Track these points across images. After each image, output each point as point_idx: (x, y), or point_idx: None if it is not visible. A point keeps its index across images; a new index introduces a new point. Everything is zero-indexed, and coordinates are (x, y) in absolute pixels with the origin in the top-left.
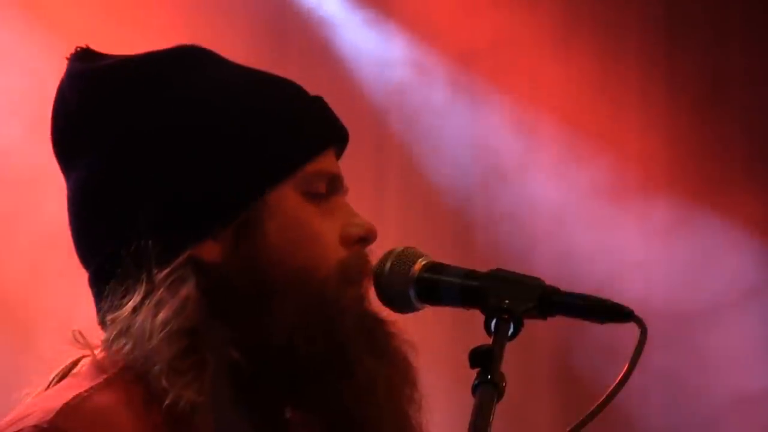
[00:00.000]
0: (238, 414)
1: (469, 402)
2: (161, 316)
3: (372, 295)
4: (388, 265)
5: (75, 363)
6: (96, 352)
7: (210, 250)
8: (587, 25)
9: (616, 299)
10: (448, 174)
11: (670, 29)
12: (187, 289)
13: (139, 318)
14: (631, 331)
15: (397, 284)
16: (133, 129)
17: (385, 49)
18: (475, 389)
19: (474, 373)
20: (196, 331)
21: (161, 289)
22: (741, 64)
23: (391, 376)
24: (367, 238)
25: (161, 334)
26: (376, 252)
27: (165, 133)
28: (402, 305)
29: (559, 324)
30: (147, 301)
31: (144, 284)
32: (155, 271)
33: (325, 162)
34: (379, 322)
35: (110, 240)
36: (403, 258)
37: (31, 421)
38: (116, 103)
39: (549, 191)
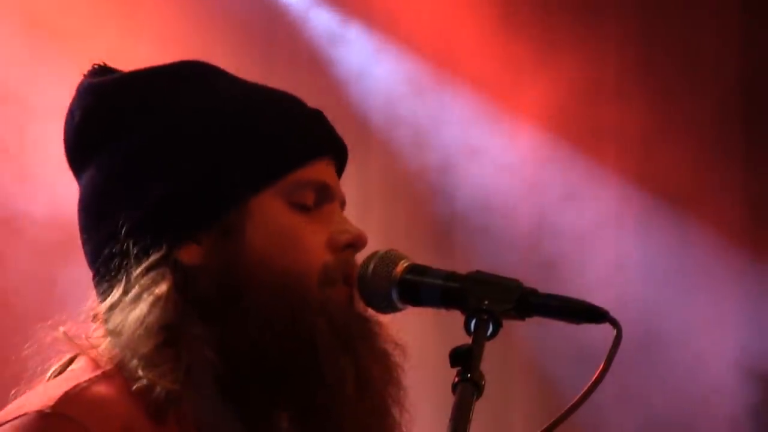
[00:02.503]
0: (222, 408)
1: (449, 400)
2: (136, 312)
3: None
4: (371, 267)
5: (72, 360)
6: (90, 349)
7: (190, 253)
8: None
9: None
10: (431, 178)
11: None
12: (164, 287)
13: (116, 315)
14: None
15: (380, 285)
16: (126, 139)
17: (368, 51)
18: (455, 387)
19: (454, 371)
20: (172, 328)
21: (137, 287)
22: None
23: (371, 374)
24: (354, 244)
25: (137, 330)
26: (358, 256)
27: (154, 142)
28: (384, 306)
29: (537, 325)
30: (124, 298)
31: (123, 283)
32: (134, 270)
33: (313, 172)
34: (364, 322)
35: (103, 243)
36: (386, 260)
37: (34, 407)
38: (113, 115)
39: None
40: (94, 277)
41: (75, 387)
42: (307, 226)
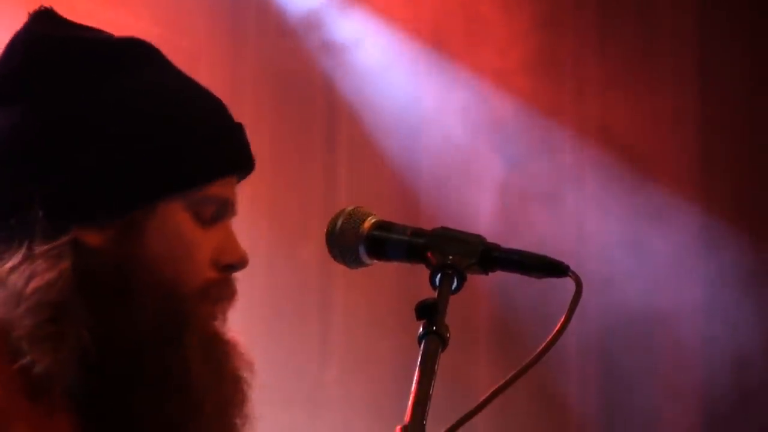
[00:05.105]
0: (89, 399)
1: (415, 351)
2: (32, 285)
3: (230, 316)
4: (340, 222)
5: None
6: None
7: (93, 238)
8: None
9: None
10: (397, 139)
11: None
12: (63, 265)
13: (11, 282)
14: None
15: (348, 241)
16: (51, 103)
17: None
18: (421, 339)
19: (420, 324)
20: (61, 306)
21: (38, 260)
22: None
23: (223, 395)
24: (235, 265)
25: (28, 302)
26: (328, 212)
27: (80, 117)
28: (352, 260)
29: (499, 280)
30: (22, 268)
31: (23, 251)
32: (38, 241)
33: (221, 188)
34: (222, 343)
35: (7, 204)
36: (354, 216)
37: None
38: (55, 75)
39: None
40: None
41: None
42: (200, 240)
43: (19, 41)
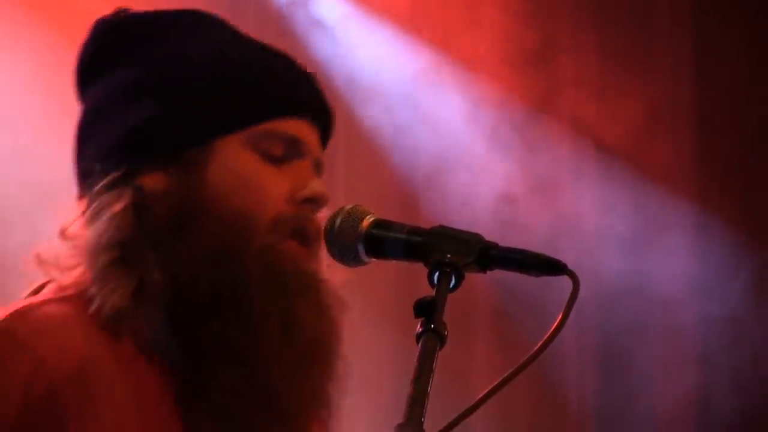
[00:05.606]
0: (168, 332)
1: (413, 349)
2: (95, 227)
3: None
4: (338, 221)
5: (42, 286)
6: (59, 275)
7: (152, 179)
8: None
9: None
10: (395, 138)
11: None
12: (122, 204)
13: (79, 230)
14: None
15: (347, 239)
16: (119, 70)
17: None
18: (419, 337)
19: (418, 322)
20: (125, 245)
21: (98, 203)
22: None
23: (303, 324)
24: (314, 199)
25: (94, 244)
26: (324, 213)
27: (141, 75)
28: (351, 259)
29: (498, 278)
30: (87, 215)
31: (87, 200)
32: (100, 190)
33: (286, 126)
34: (303, 275)
35: (81, 164)
36: (352, 215)
37: None
38: (119, 47)
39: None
40: (78, 196)
41: (27, 306)
42: (270, 175)
43: (91, 29)
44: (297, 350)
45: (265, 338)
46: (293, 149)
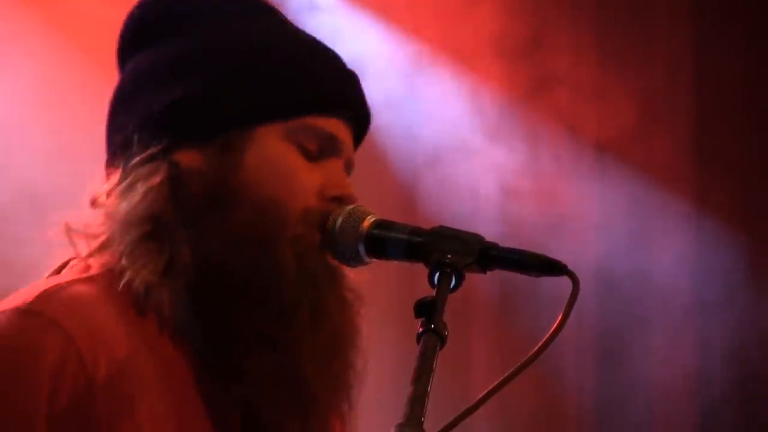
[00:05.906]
0: (191, 314)
1: (414, 349)
2: (129, 198)
3: None
4: (339, 222)
5: (66, 264)
6: (86, 252)
7: (188, 157)
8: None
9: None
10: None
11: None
12: (158, 178)
13: (109, 203)
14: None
15: (348, 240)
16: (168, 43)
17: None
18: (419, 338)
19: (418, 322)
20: (158, 220)
21: (134, 175)
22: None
23: (329, 311)
24: (343, 198)
25: (127, 216)
26: None
27: (189, 51)
28: (351, 259)
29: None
30: (121, 185)
31: (121, 170)
32: (135, 163)
33: (324, 123)
34: (328, 267)
35: (115, 132)
36: (354, 215)
37: (12, 305)
38: (170, 18)
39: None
40: (106, 164)
41: (54, 286)
42: (304, 169)
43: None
44: (324, 341)
45: (296, 327)
46: (329, 147)
